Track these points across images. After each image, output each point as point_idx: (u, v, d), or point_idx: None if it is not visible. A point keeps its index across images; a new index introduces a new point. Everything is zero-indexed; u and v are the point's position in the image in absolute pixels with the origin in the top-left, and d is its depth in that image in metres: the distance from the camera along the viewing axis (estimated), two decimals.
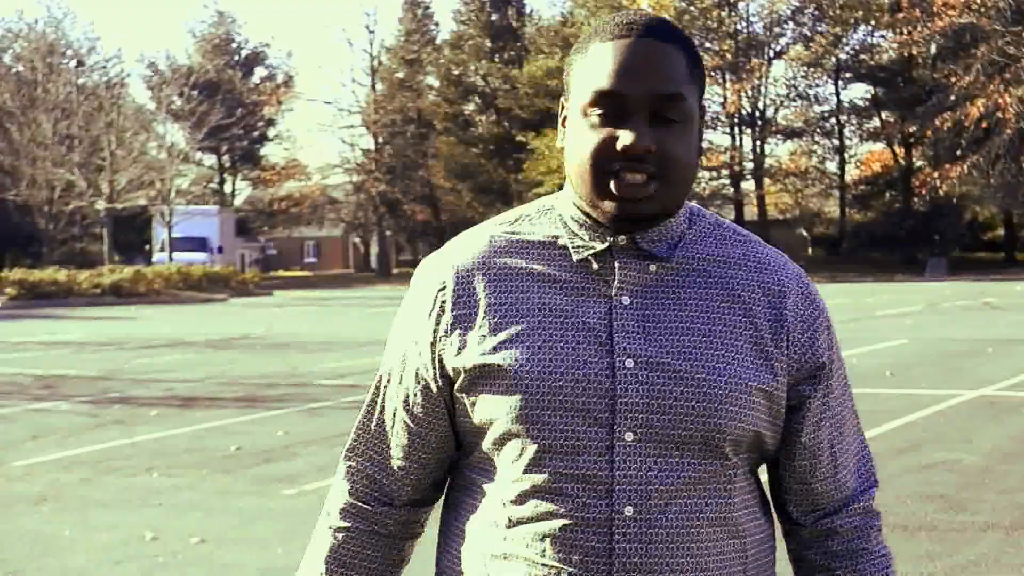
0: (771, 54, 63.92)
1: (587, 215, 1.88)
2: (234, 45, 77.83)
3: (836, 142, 66.04)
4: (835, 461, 1.97)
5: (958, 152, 53.28)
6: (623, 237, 1.85)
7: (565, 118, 1.91)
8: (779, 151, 72.64)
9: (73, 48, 65.64)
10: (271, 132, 79.04)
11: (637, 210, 1.81)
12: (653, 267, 1.87)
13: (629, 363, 1.81)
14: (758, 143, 64.35)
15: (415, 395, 1.95)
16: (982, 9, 49.20)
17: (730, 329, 1.86)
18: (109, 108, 53.94)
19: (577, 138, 1.84)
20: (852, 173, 67.01)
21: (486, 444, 1.88)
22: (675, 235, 1.89)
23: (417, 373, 1.94)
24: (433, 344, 1.91)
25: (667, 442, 1.81)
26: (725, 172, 64.67)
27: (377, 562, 2.03)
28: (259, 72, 79.24)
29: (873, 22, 60.52)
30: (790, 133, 65.21)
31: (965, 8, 48.91)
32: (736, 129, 65.20)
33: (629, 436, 1.80)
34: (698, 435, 1.81)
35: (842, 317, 26.62)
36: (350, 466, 2.05)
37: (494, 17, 71.33)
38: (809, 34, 62.65)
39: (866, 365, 16.29)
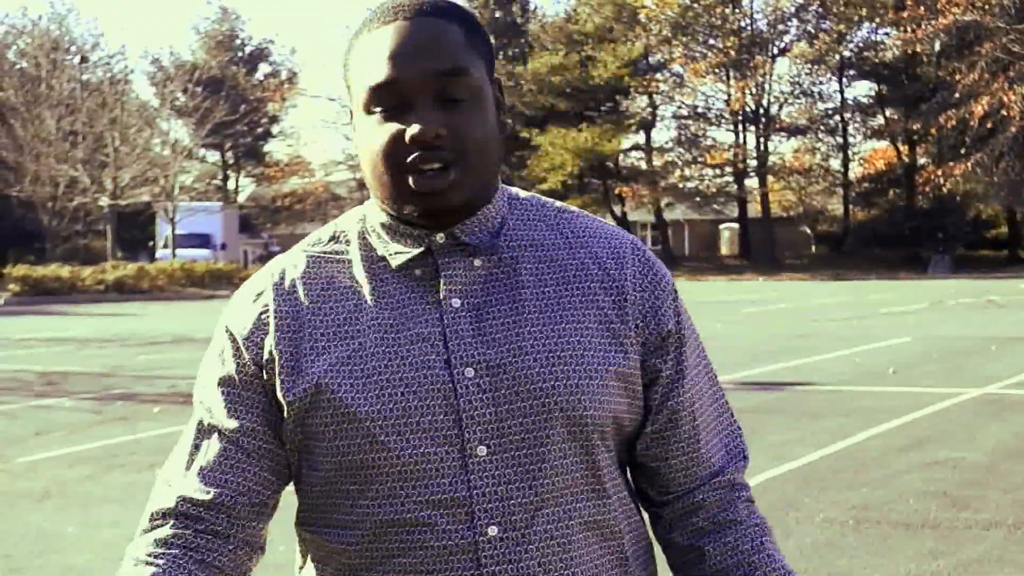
0: (775, 51, 63.85)
1: (397, 219, 1.75)
2: (238, 41, 77.80)
3: (840, 139, 65.96)
4: (695, 435, 1.81)
5: (962, 150, 53.28)
6: (440, 235, 1.72)
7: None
8: (783, 148, 72.67)
9: (77, 44, 65.65)
10: (275, 129, 79.03)
11: (443, 203, 1.67)
12: (478, 262, 1.72)
13: (469, 372, 1.67)
14: (762, 140, 64.29)
15: (243, 432, 1.75)
16: (986, 7, 49.16)
17: (570, 313, 1.72)
18: (113, 104, 53.90)
19: (365, 139, 1.70)
20: (856, 171, 66.94)
21: (324, 484, 1.74)
22: (495, 223, 1.75)
23: (243, 408, 1.75)
24: (260, 373, 1.74)
25: (524, 448, 1.67)
26: (728, 169, 64.64)
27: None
28: (263, 68, 79.21)
29: (877, 19, 60.45)
30: (794, 130, 65.14)
31: (969, 6, 48.86)
32: (740, 126, 65.16)
33: (482, 451, 1.66)
34: (556, 435, 1.67)
35: (845, 314, 26.61)
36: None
37: (498, 14, 71.32)
38: (813, 31, 62.56)
39: (869, 363, 16.29)
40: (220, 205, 65.19)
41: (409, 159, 1.65)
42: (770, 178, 64.03)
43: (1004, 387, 13.62)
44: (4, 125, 53.43)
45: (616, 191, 64.22)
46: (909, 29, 53.83)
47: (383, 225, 1.77)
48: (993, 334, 20.41)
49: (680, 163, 65.99)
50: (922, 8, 51.80)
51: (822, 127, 65.43)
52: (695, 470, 1.82)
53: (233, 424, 1.75)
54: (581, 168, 61.71)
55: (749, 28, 63.81)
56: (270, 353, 1.73)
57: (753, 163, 64.28)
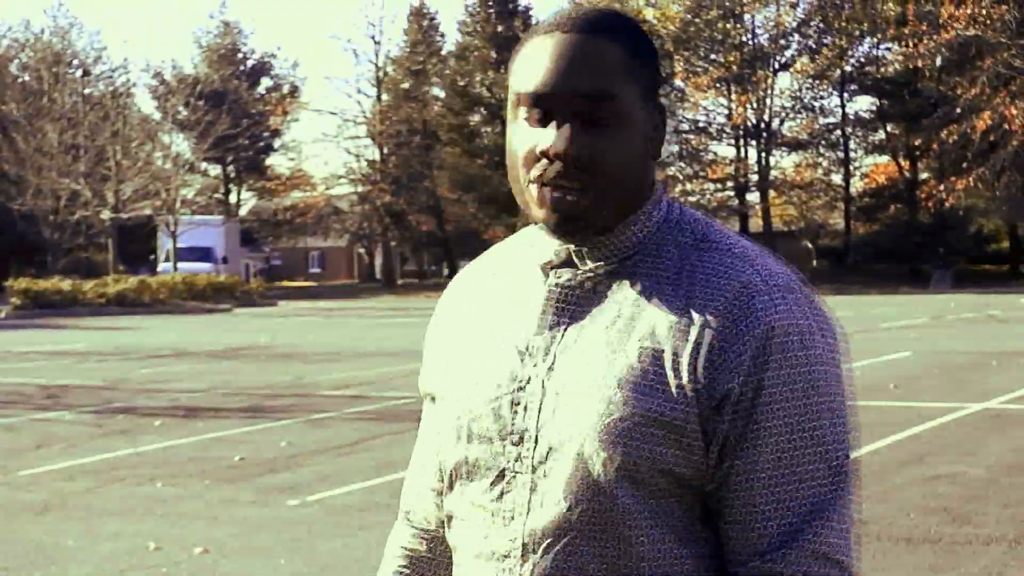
0: (776, 66, 63.92)
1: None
2: (240, 55, 77.84)
3: (841, 154, 65.98)
4: (749, 504, 1.66)
5: (963, 164, 53.30)
6: (563, 248, 1.73)
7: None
8: (784, 163, 72.55)
9: (79, 58, 65.79)
10: (276, 142, 79.00)
11: (564, 220, 1.68)
12: (589, 283, 1.72)
13: (529, 388, 1.70)
14: (763, 155, 64.34)
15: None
16: (987, 22, 49.22)
17: (629, 349, 1.66)
18: (115, 118, 54.00)
19: (508, 141, 1.73)
20: (857, 185, 67.00)
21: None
22: (628, 246, 1.72)
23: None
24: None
25: (552, 477, 1.66)
26: (730, 184, 64.68)
27: None
28: (265, 82, 79.26)
29: (878, 34, 60.55)
30: (795, 145, 65.17)
31: (971, 21, 48.93)
32: (741, 141, 65.21)
33: (519, 467, 1.69)
34: (570, 467, 1.65)
35: (846, 329, 26.55)
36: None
37: (500, 28, 71.35)
38: (815, 46, 62.64)
39: (870, 377, 16.28)
40: (222, 219, 65.27)
41: (542, 171, 1.67)
42: (771, 192, 64.09)
43: (1005, 402, 13.62)
44: (6, 138, 53.53)
45: None
46: (910, 44, 53.87)
47: (535, 229, 1.81)
48: (994, 349, 20.40)
49: (681, 177, 66.01)
50: (924, 23, 51.89)
51: (823, 142, 65.48)
52: (745, 544, 1.67)
53: (427, 418, 1.96)
54: None
55: (751, 43, 63.89)
56: (436, 342, 1.91)
57: (754, 177, 64.34)
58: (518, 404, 1.70)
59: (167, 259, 55.14)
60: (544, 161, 1.66)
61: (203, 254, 58.39)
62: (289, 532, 7.85)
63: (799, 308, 1.69)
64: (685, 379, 1.64)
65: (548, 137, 1.65)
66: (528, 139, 1.68)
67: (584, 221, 1.68)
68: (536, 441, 1.68)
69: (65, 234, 55.50)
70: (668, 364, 1.64)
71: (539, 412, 1.69)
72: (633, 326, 1.68)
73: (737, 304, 1.66)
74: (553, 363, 1.70)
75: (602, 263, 1.72)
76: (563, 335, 1.71)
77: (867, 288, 51.50)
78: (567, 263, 1.74)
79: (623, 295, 1.70)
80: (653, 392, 1.64)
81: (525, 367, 1.71)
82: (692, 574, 1.68)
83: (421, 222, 73.89)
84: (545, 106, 1.67)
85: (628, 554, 1.65)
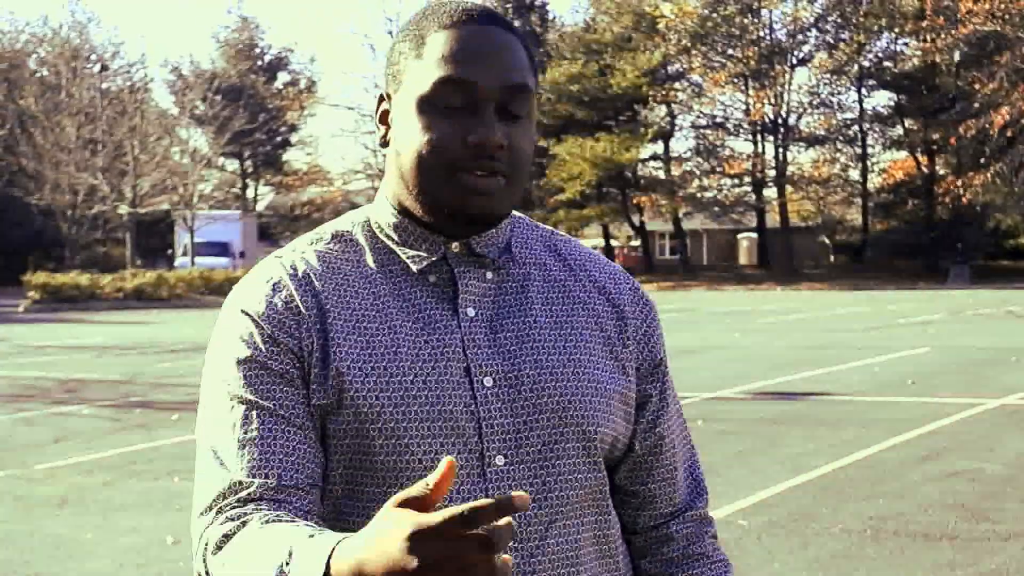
0: (794, 61, 63.81)
1: (414, 222, 1.71)
2: (257, 50, 77.96)
3: (859, 150, 65.86)
4: (673, 464, 1.86)
5: (981, 160, 53.18)
6: (457, 244, 1.71)
7: (385, 112, 1.73)
8: (801, 158, 72.56)
9: (97, 53, 65.94)
10: (294, 137, 79.11)
11: (487, 210, 1.65)
12: (490, 274, 1.73)
13: (488, 381, 1.66)
14: (780, 150, 64.21)
15: (289, 407, 1.65)
16: (1006, 17, 49.08)
17: (579, 333, 1.75)
18: (133, 113, 54.12)
19: (415, 133, 1.65)
20: (875, 181, 66.83)
21: (345, 484, 1.67)
22: (503, 239, 1.75)
23: (280, 388, 1.66)
24: (298, 364, 1.66)
25: (540, 461, 1.67)
26: (747, 179, 64.57)
27: None
28: (282, 77, 79.34)
29: (897, 30, 60.40)
30: (813, 140, 65.06)
31: (989, 16, 48.79)
32: (758, 136, 65.11)
33: (500, 460, 1.65)
34: (570, 449, 1.69)
35: (864, 325, 26.54)
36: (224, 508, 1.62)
37: (516, 23, 71.36)
38: (832, 41, 62.53)
39: (888, 373, 16.25)
40: (239, 214, 65.38)
41: (463, 161, 1.63)
42: (788, 188, 63.98)
43: (1023, 398, 13.57)
44: (24, 133, 53.69)
45: (634, 200, 64.22)
46: (929, 39, 53.81)
47: (394, 227, 1.73)
48: (1013, 345, 20.34)
49: (699, 173, 65.99)
50: (942, 18, 51.77)
51: (841, 137, 65.34)
52: (670, 498, 1.86)
53: (278, 400, 1.65)
54: (599, 178, 61.63)
55: (768, 38, 63.78)
56: (309, 345, 1.66)
57: (772, 173, 64.22)
58: (474, 399, 1.65)
59: (184, 254, 55.25)
60: (466, 151, 1.63)
61: (220, 249, 58.47)
62: None
63: None
64: (631, 354, 1.81)
65: (480, 127, 1.62)
66: (446, 129, 1.64)
67: (500, 211, 1.68)
68: (514, 431, 1.66)
69: (83, 229, 55.67)
70: (616, 342, 1.79)
71: (508, 403, 1.66)
72: (566, 311, 1.77)
73: (632, 286, 1.86)
74: (499, 353, 1.68)
75: (499, 254, 1.74)
76: (491, 326, 1.70)
77: (884, 284, 51.39)
78: (459, 256, 1.71)
79: (533, 283, 1.77)
80: (613, 369, 1.77)
81: (471, 360, 1.66)
82: (620, 540, 1.83)
83: None
84: (470, 95, 1.64)
85: (608, 523, 1.78)
